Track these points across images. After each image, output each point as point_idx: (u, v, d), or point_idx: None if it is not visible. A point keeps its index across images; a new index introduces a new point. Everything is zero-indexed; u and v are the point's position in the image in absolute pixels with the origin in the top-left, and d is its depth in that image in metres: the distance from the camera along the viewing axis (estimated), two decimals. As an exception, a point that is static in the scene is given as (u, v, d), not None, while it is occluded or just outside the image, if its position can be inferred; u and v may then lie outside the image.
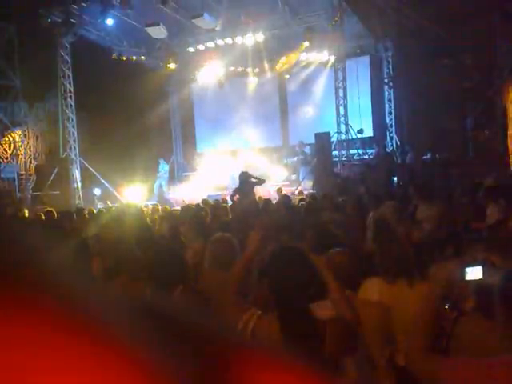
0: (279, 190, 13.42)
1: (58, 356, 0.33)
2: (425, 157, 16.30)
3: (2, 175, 18.57)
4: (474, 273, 1.85)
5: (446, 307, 2.03)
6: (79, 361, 0.33)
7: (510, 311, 1.66)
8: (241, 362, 0.40)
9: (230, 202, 11.82)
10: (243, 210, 8.30)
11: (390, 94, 18.74)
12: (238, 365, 0.40)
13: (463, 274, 1.86)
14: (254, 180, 12.08)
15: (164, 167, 18.64)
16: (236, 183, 13.82)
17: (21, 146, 19.31)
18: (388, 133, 18.44)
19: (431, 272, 1.97)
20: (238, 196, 11.39)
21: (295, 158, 18.05)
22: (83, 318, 0.36)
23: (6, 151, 19.54)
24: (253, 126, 19.17)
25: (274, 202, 10.79)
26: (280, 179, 17.73)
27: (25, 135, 19.46)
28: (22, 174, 19.03)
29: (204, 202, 11.07)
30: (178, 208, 11.41)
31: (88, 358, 0.34)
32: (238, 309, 2.75)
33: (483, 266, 1.85)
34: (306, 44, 16.88)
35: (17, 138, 19.39)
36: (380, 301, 2.87)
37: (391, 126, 18.58)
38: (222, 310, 3.21)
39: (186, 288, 3.18)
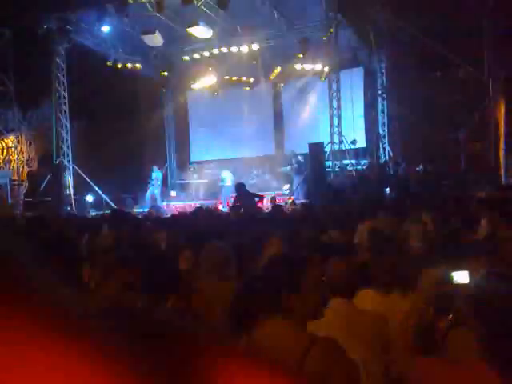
0: (273, 200, 13.48)
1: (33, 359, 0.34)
2: (417, 168, 16.39)
3: (-5, 181, 18.48)
4: (461, 277, 1.91)
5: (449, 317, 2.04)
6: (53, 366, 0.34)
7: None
8: (227, 369, 0.40)
9: (223, 210, 11.87)
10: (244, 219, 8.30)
11: (383, 105, 18.85)
12: (222, 371, 0.40)
13: (450, 278, 1.91)
14: (253, 194, 12.10)
15: (157, 175, 18.61)
16: (230, 192, 13.88)
17: (13, 151, 19.25)
18: (381, 144, 18.53)
19: (420, 278, 1.99)
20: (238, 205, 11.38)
21: (288, 168, 18.10)
22: (57, 324, 0.36)
23: (-1, 157, 19.48)
24: (247, 135, 19.20)
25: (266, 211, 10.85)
26: (273, 188, 17.77)
27: (18, 141, 19.39)
28: (14, 180, 18.95)
29: (197, 209, 11.05)
30: (170, 215, 11.43)
31: (62, 363, 0.34)
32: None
33: (470, 272, 1.90)
34: (301, 55, 16.97)
35: (10, 144, 19.33)
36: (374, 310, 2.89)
37: (384, 137, 18.68)
38: (215, 320, 3.22)
39: (178, 298, 3.17)
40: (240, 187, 12.03)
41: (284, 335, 1.92)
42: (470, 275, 1.89)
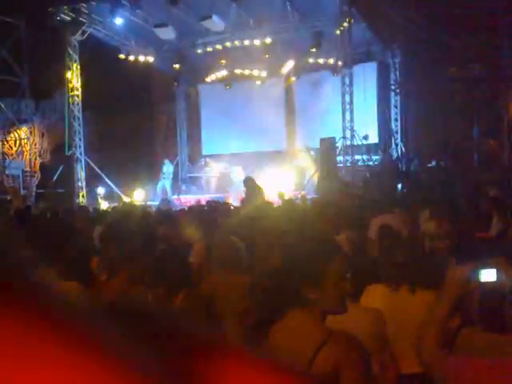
0: (281, 195, 13.37)
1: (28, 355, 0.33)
2: (429, 165, 16.27)
3: (7, 171, 18.64)
4: (489, 275, 1.90)
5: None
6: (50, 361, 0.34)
7: None
8: (222, 366, 0.40)
9: (234, 204, 11.84)
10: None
11: (396, 100, 18.72)
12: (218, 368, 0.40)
13: (478, 275, 1.90)
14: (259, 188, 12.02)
15: (168, 168, 18.64)
16: (240, 186, 13.84)
17: (26, 142, 19.37)
18: (393, 139, 18.42)
19: (447, 275, 1.97)
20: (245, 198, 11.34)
21: (300, 162, 18.04)
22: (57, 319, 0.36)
23: (12, 148, 19.62)
24: (258, 129, 19.16)
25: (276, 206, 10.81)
26: (284, 183, 17.72)
27: (30, 132, 19.53)
28: (26, 171, 19.09)
29: (209, 203, 11.06)
30: (181, 208, 11.42)
31: (60, 358, 0.34)
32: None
33: (497, 270, 1.89)
34: (314, 48, 16.88)
35: (22, 135, 19.46)
36: (380, 307, 2.88)
37: (397, 132, 18.56)
38: (225, 312, 3.21)
39: (189, 292, 3.16)
40: (248, 181, 11.96)
41: (302, 328, 1.94)
42: (498, 273, 1.88)
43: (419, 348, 2.04)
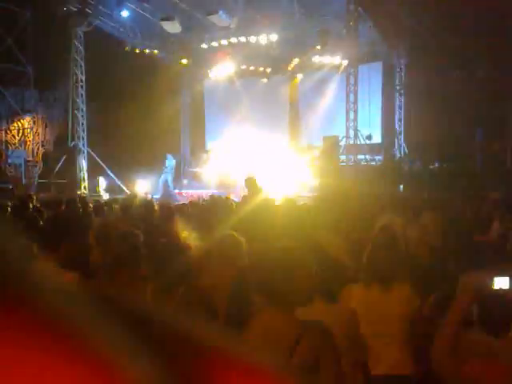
0: (283, 192, 13.39)
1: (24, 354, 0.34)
2: (432, 166, 16.25)
3: (10, 161, 18.63)
4: (502, 283, 1.92)
5: None
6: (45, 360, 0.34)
7: None
8: (219, 366, 0.40)
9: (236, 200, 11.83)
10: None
11: (400, 101, 18.69)
12: (215, 369, 0.40)
13: (491, 283, 1.91)
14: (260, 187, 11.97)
15: (170, 162, 18.64)
16: (242, 182, 13.82)
17: (29, 132, 19.36)
18: (397, 140, 18.39)
19: (461, 281, 1.98)
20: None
21: (302, 160, 18.03)
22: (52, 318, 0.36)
23: (15, 137, 19.60)
24: (262, 126, 19.15)
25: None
26: (286, 180, 17.72)
27: (34, 122, 19.49)
28: (29, 161, 19.07)
29: (211, 198, 11.05)
30: (182, 203, 11.42)
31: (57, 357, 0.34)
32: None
33: (510, 278, 1.91)
34: (319, 47, 16.85)
35: (26, 125, 19.44)
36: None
37: (400, 133, 18.53)
38: (224, 306, 3.21)
39: (189, 286, 3.16)
40: (249, 180, 11.91)
41: (278, 322, 2.02)
42: (511, 281, 1.89)
43: (431, 352, 2.06)
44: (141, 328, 0.41)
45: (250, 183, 11.80)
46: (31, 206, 7.27)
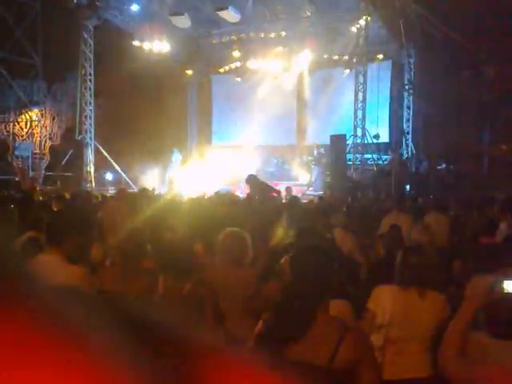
0: (288, 190, 13.32)
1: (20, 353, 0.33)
2: (439, 167, 16.18)
3: (17, 153, 18.69)
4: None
5: None
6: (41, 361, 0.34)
7: None
8: (214, 366, 0.40)
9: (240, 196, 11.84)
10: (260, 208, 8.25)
11: (409, 100, 18.60)
12: (210, 369, 0.40)
13: (502, 286, 1.90)
14: (266, 185, 11.98)
15: (177, 157, 18.65)
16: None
17: (37, 125, 19.40)
18: (404, 140, 18.32)
19: (471, 283, 1.97)
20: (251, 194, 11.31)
21: (309, 158, 18.00)
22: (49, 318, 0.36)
23: (22, 129, 19.65)
24: (269, 123, 19.11)
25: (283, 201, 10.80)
26: (291, 178, 17.71)
27: (42, 115, 19.53)
28: (35, 153, 19.12)
29: (216, 194, 11.05)
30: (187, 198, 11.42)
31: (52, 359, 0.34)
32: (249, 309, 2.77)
33: None
34: (329, 44, 16.79)
35: (34, 117, 19.48)
36: (388, 307, 2.87)
37: (408, 133, 18.45)
38: (229, 306, 3.21)
39: (197, 281, 3.17)
40: (250, 179, 11.91)
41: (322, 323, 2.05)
42: None
43: (439, 354, 2.06)
44: (139, 328, 0.41)
45: (252, 182, 11.83)
46: (37, 199, 7.29)
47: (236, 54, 19.11)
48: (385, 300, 2.97)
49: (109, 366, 0.35)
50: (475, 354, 2.01)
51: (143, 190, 9.87)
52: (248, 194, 11.60)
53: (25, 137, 19.47)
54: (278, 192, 12.30)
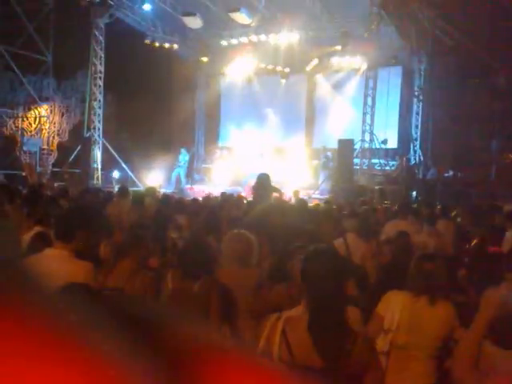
0: (296, 193, 13.31)
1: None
2: (446, 174, 16.11)
3: (25, 148, 18.78)
4: None
5: None
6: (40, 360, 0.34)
7: None
8: (218, 366, 0.40)
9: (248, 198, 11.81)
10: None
11: (418, 107, 18.54)
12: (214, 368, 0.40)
13: None
14: (272, 186, 11.92)
15: (184, 157, 18.67)
16: (254, 180, 13.84)
17: (46, 121, 19.48)
18: (412, 146, 18.27)
19: (484, 295, 1.96)
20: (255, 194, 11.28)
21: (316, 162, 17.98)
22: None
23: (31, 124, 19.75)
24: (277, 126, 19.13)
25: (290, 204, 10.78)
26: (298, 181, 17.68)
27: (51, 111, 19.61)
28: (43, 149, 19.21)
29: (222, 195, 11.05)
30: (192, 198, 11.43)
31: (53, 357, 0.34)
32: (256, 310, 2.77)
33: None
34: (340, 48, 16.78)
35: (43, 113, 19.57)
36: (397, 313, 2.86)
37: (416, 139, 18.40)
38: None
39: (208, 278, 3.17)
40: (261, 177, 11.85)
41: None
42: None
43: (454, 366, 2.06)
44: (137, 326, 0.41)
45: (262, 180, 11.79)
46: (45, 194, 7.31)
47: (246, 55, 19.12)
48: (395, 305, 2.96)
49: (107, 365, 0.35)
50: (481, 363, 2.00)
51: (149, 189, 9.86)
52: (253, 194, 11.58)
53: (33, 132, 19.56)
54: (282, 194, 12.24)
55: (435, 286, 2.97)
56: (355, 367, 1.97)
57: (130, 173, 17.84)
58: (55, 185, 14.12)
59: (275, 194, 11.62)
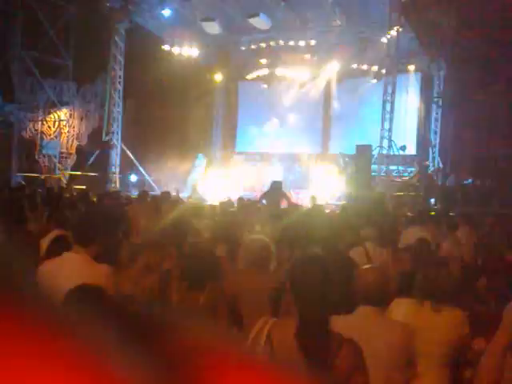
0: (313, 199, 13.24)
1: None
2: (466, 181, 15.94)
3: (44, 151, 18.97)
4: None
5: None
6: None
7: None
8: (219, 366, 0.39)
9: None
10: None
11: (437, 113, 18.39)
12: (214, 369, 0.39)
13: None
14: (282, 192, 11.92)
15: (201, 162, 18.72)
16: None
17: (65, 124, 19.66)
18: (431, 153, 18.11)
19: (508, 307, 1.92)
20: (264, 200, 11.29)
21: (333, 168, 17.90)
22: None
23: (50, 128, 19.93)
24: (294, 131, 19.10)
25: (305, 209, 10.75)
26: (315, 187, 17.62)
27: (70, 115, 19.79)
28: (62, 153, 19.38)
29: (239, 200, 11.03)
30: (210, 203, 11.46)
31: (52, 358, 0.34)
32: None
33: None
34: (359, 53, 16.73)
35: (62, 117, 19.75)
36: (406, 322, 2.81)
37: (435, 146, 18.23)
38: (251, 311, 3.18)
39: (213, 287, 3.14)
40: (274, 184, 11.85)
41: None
42: None
43: (475, 377, 2.02)
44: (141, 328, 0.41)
45: (275, 187, 11.79)
46: (64, 197, 7.37)
47: (264, 61, 19.14)
48: (398, 312, 2.94)
49: (109, 366, 0.35)
50: (506, 375, 1.95)
51: (165, 193, 9.89)
52: (263, 196, 11.59)
53: (52, 136, 19.74)
54: (290, 200, 12.20)
55: (439, 291, 2.93)
56: (341, 371, 1.98)
57: (147, 177, 17.94)
58: (74, 188, 14.25)
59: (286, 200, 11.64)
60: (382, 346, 2.47)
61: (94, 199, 8.09)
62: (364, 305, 2.64)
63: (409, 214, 10.38)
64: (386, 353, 2.49)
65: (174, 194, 14.55)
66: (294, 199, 14.55)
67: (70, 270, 2.78)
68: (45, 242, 4.08)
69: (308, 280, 2.11)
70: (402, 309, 2.97)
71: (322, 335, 2.05)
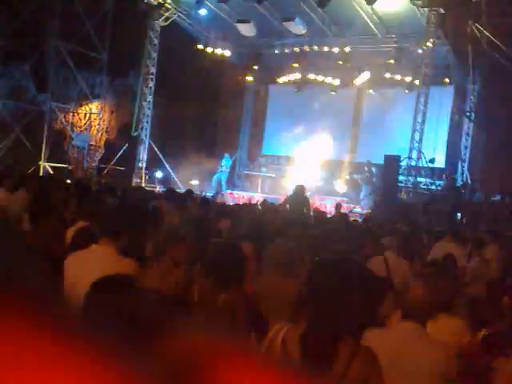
0: (338, 206, 13.14)
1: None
2: (493, 198, 15.65)
3: (73, 142, 19.25)
4: None
5: None
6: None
7: None
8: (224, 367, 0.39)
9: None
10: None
11: (469, 127, 18.12)
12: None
13: None
14: (305, 197, 11.83)
15: (227, 162, 18.75)
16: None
17: (96, 117, 19.91)
18: (460, 167, 17.85)
19: None
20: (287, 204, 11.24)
21: (359, 176, 17.76)
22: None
23: (81, 120, 20.23)
24: (322, 137, 18.98)
25: (329, 216, 10.68)
26: (339, 194, 17.52)
27: (101, 108, 20.04)
28: (91, 145, 19.63)
29: (263, 203, 11.03)
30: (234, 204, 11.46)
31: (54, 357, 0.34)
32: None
33: None
34: (393, 63, 16.58)
35: (93, 109, 20.01)
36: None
37: (464, 160, 17.96)
38: (273, 314, 3.15)
39: (237, 291, 3.12)
40: (297, 189, 11.77)
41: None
42: None
43: None
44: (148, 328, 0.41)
45: (298, 191, 11.71)
46: (93, 189, 7.43)
47: (296, 65, 19.09)
48: (438, 330, 2.86)
49: (113, 366, 0.35)
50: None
51: (189, 191, 9.93)
52: (285, 201, 11.55)
53: (82, 128, 20.01)
54: (310, 206, 12.09)
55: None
56: (353, 380, 1.94)
57: (172, 174, 18.04)
58: (102, 181, 14.40)
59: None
60: (424, 366, 2.41)
61: (119, 193, 8.15)
62: (406, 319, 2.59)
63: (437, 228, 10.23)
64: (427, 373, 2.43)
65: (197, 192, 14.63)
66: (318, 205, 14.51)
67: (96, 262, 2.78)
68: (70, 233, 4.11)
69: (322, 282, 2.07)
70: (445, 326, 2.90)
71: (327, 340, 1.99)
